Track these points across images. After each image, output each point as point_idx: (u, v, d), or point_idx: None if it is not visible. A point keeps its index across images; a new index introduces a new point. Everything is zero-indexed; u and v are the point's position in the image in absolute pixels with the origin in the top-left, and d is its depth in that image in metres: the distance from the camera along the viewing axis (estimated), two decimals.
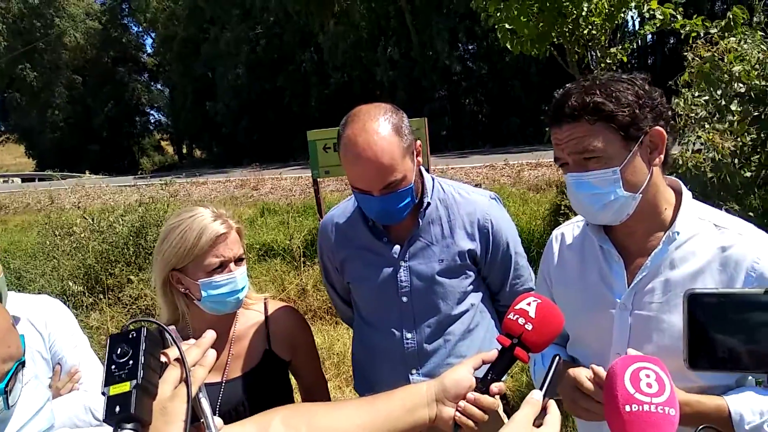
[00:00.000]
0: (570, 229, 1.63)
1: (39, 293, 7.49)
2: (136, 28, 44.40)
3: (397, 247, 1.86)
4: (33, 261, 8.37)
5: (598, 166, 1.33)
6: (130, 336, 0.82)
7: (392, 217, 1.75)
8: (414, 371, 1.87)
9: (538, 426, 0.99)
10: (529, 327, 1.14)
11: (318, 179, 7.69)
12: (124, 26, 43.88)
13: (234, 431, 1.08)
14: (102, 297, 6.58)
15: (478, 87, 27.52)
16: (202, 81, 33.39)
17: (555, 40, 6.19)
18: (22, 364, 0.79)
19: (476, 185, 3.04)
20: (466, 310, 1.88)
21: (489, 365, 1.16)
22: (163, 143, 49.39)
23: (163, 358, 0.87)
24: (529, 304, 1.17)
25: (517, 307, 1.18)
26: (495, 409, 1.05)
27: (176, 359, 0.86)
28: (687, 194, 1.43)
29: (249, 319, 1.84)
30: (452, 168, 14.19)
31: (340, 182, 11.96)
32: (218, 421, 0.93)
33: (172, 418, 0.82)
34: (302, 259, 7.17)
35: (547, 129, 1.44)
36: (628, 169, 1.33)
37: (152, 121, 48.57)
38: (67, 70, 41.43)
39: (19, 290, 8.25)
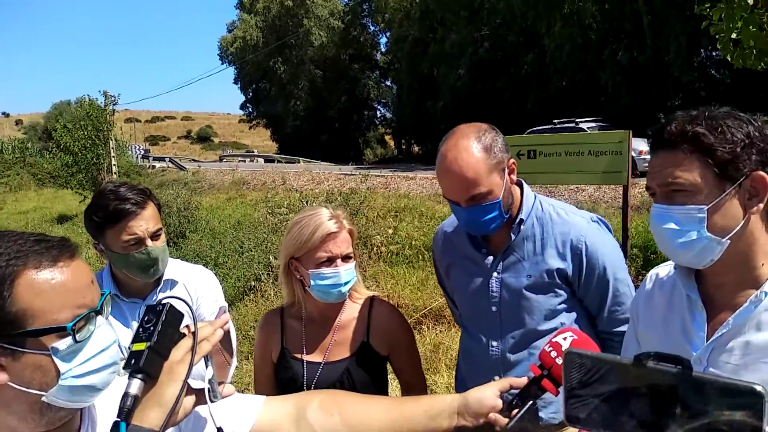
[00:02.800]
0: (666, 270, 1.53)
1: (250, 262, 8.51)
2: (373, 28, 47.57)
3: (491, 258, 1.96)
4: (254, 232, 9.62)
5: (684, 200, 1.24)
6: (158, 308, 1.02)
7: (478, 228, 1.85)
8: (496, 378, 1.92)
9: None
10: (559, 361, 1.15)
11: None
12: (363, 26, 47.31)
13: (277, 404, 1.30)
14: None
15: (720, 97, 24.67)
16: (427, 80, 34.65)
17: None
18: (97, 312, 1.01)
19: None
20: (555, 328, 1.87)
21: (518, 391, 1.19)
22: (386, 137, 52.41)
23: (184, 330, 1.05)
24: (564, 338, 1.19)
25: (553, 339, 1.20)
26: None
27: (192, 332, 1.04)
28: None
29: (354, 311, 2.03)
30: None
31: (544, 189, 11.68)
32: (230, 387, 1.12)
33: (175, 377, 0.99)
34: None
35: None
36: (718, 210, 1.23)
37: (378, 115, 51.92)
38: (310, 65, 46.02)
39: (239, 255, 9.47)
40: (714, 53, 24.49)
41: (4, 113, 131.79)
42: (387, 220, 9.23)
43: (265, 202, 9.17)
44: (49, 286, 0.95)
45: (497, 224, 1.82)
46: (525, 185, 1.94)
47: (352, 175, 19.42)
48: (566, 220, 1.89)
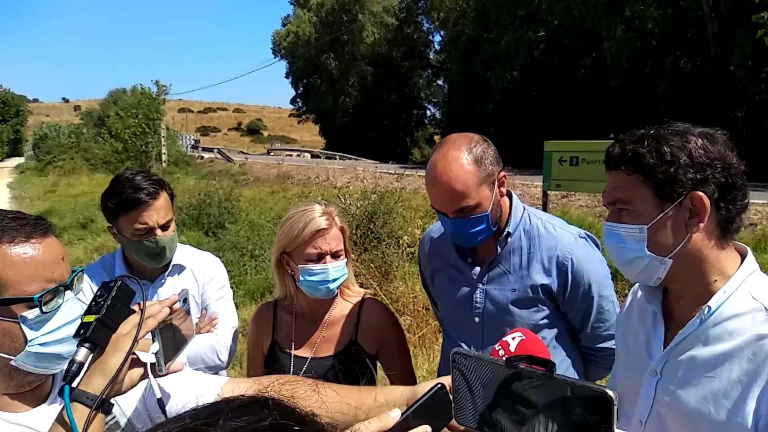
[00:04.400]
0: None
1: None
2: (427, 26, 47.25)
3: (477, 269, 1.94)
4: None
5: (629, 219, 1.29)
6: (110, 285, 1.09)
7: (465, 239, 1.85)
8: None
9: None
10: None
11: (548, 191, 7.39)
12: (417, 23, 47.08)
13: (239, 385, 1.36)
14: None
15: None
16: (479, 81, 34.13)
17: None
18: (66, 287, 1.11)
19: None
20: None
21: None
22: (435, 137, 52.13)
23: (135, 307, 1.11)
24: (513, 338, 1.19)
25: (504, 338, 1.20)
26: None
27: (141, 309, 1.09)
28: (748, 267, 1.28)
29: (344, 309, 2.04)
30: None
31: (593, 198, 11.20)
32: (178, 363, 1.16)
33: (120, 348, 1.05)
34: None
35: None
36: (657, 229, 1.26)
37: (428, 115, 51.60)
38: (362, 62, 46.12)
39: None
40: None
41: (64, 99, 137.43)
42: (417, 221, 9.05)
43: (301, 198, 9.12)
44: (21, 259, 1.06)
45: (484, 237, 1.82)
46: (515, 196, 1.93)
47: (394, 174, 19.28)
48: (554, 235, 1.88)
